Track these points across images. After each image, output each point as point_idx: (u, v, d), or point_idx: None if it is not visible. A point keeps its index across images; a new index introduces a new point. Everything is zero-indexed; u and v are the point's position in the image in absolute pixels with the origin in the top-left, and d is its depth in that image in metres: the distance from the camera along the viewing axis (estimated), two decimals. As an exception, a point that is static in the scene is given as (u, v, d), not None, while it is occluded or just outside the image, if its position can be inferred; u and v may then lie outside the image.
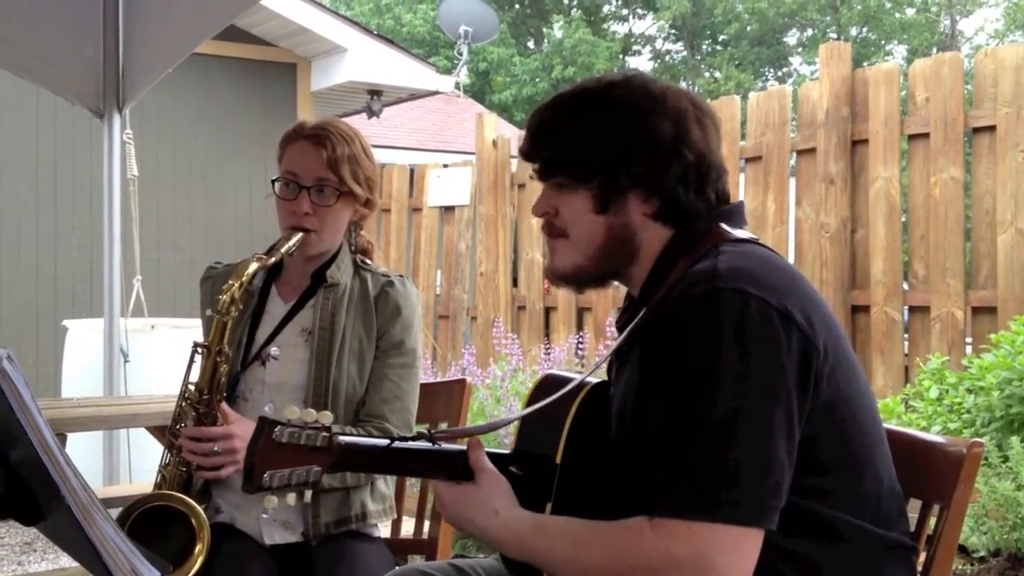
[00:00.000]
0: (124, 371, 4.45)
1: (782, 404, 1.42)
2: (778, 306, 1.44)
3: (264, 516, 2.31)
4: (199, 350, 2.26)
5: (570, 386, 1.67)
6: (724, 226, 1.59)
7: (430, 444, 1.61)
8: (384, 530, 2.49)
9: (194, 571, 2.10)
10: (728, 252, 1.52)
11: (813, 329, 1.46)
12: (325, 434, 1.54)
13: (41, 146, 7.41)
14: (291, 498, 1.55)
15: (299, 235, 2.29)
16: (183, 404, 2.27)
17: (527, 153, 1.67)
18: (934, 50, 24.01)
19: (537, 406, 1.66)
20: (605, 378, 1.77)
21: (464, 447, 1.63)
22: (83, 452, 4.31)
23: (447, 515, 1.64)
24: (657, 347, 1.49)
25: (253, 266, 2.24)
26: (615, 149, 1.57)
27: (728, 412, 1.40)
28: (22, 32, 4.06)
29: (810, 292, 1.53)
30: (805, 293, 1.51)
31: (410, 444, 1.61)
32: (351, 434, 1.64)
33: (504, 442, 4.47)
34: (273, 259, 2.27)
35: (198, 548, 2.12)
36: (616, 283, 1.70)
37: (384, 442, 1.60)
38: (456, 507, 1.61)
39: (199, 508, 2.17)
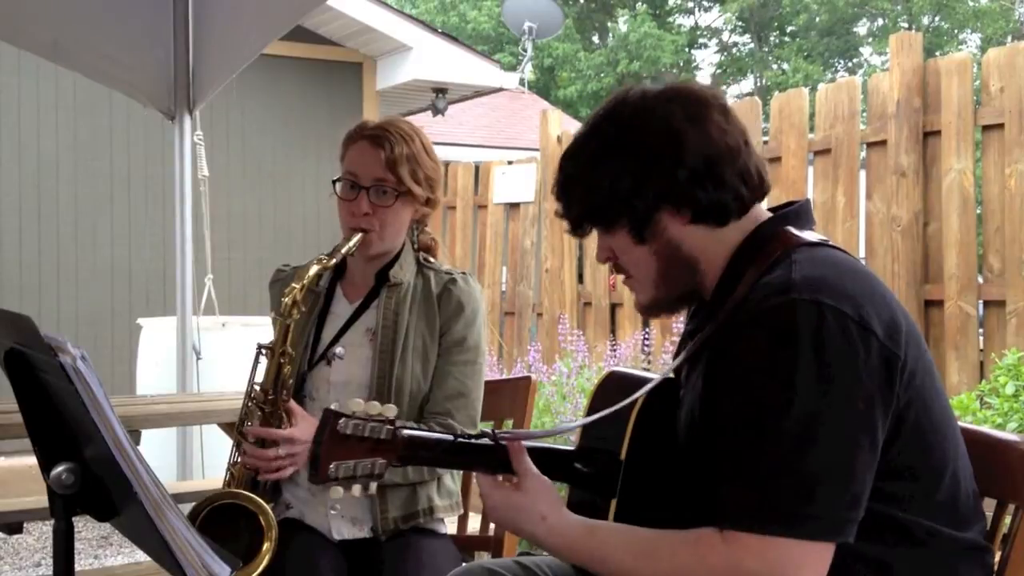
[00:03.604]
0: (196, 368, 4.52)
1: (862, 416, 1.39)
2: (855, 317, 1.41)
3: (332, 512, 2.33)
4: (263, 351, 2.29)
5: (635, 391, 1.65)
6: (791, 229, 1.57)
7: (491, 443, 1.61)
8: (451, 526, 2.50)
9: (261, 568, 2.12)
10: (801, 260, 1.50)
11: (893, 338, 1.43)
12: (389, 427, 1.54)
13: (115, 148, 7.55)
14: (356, 489, 1.56)
15: (359, 235, 2.30)
16: (249, 404, 2.30)
17: (561, 215, 1.68)
18: (1009, 39, 23.42)
19: (601, 414, 1.64)
20: (670, 375, 1.76)
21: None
22: (158, 448, 4.41)
23: (494, 518, 1.65)
24: (730, 358, 1.47)
25: (314, 269, 2.26)
26: (620, 186, 1.57)
27: (806, 425, 1.37)
28: (95, 36, 4.14)
29: (887, 295, 1.50)
30: (883, 297, 1.48)
31: (471, 441, 1.61)
32: (415, 428, 1.65)
33: (570, 438, 4.45)
34: (334, 260, 2.29)
35: (266, 547, 2.14)
36: None
37: (449, 438, 1.61)
38: (503, 511, 1.61)
39: (267, 507, 2.20)
